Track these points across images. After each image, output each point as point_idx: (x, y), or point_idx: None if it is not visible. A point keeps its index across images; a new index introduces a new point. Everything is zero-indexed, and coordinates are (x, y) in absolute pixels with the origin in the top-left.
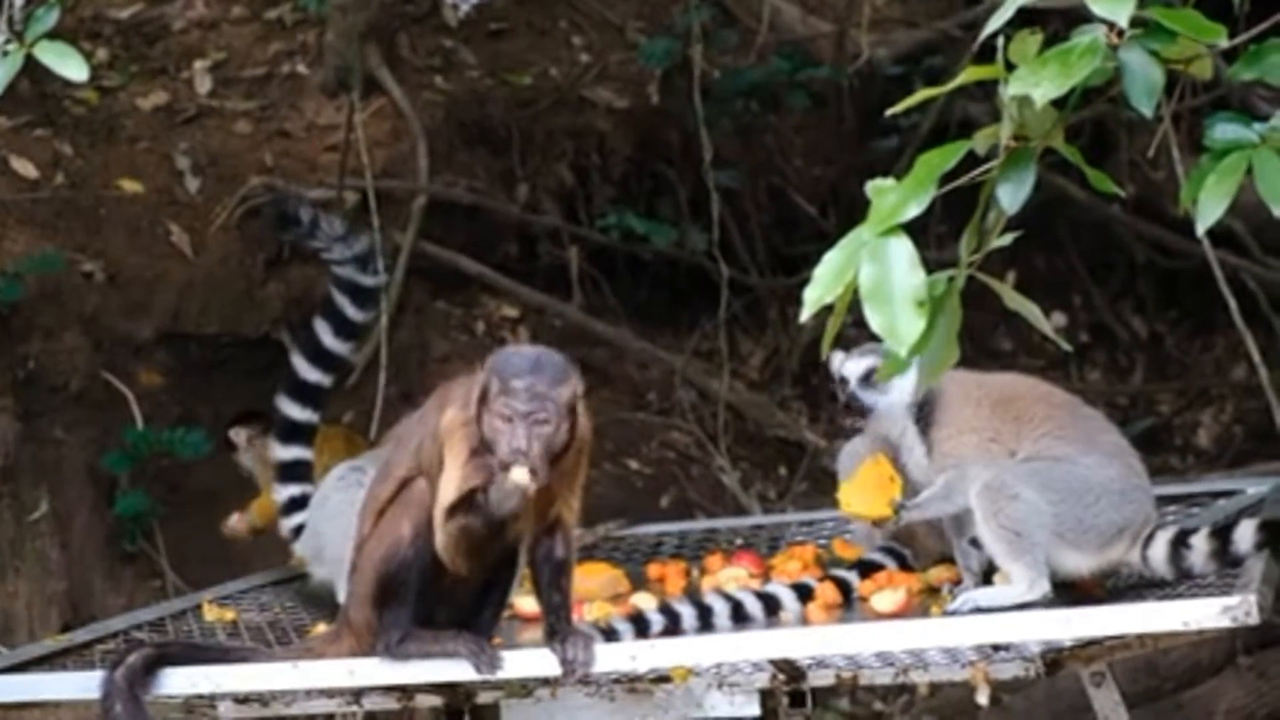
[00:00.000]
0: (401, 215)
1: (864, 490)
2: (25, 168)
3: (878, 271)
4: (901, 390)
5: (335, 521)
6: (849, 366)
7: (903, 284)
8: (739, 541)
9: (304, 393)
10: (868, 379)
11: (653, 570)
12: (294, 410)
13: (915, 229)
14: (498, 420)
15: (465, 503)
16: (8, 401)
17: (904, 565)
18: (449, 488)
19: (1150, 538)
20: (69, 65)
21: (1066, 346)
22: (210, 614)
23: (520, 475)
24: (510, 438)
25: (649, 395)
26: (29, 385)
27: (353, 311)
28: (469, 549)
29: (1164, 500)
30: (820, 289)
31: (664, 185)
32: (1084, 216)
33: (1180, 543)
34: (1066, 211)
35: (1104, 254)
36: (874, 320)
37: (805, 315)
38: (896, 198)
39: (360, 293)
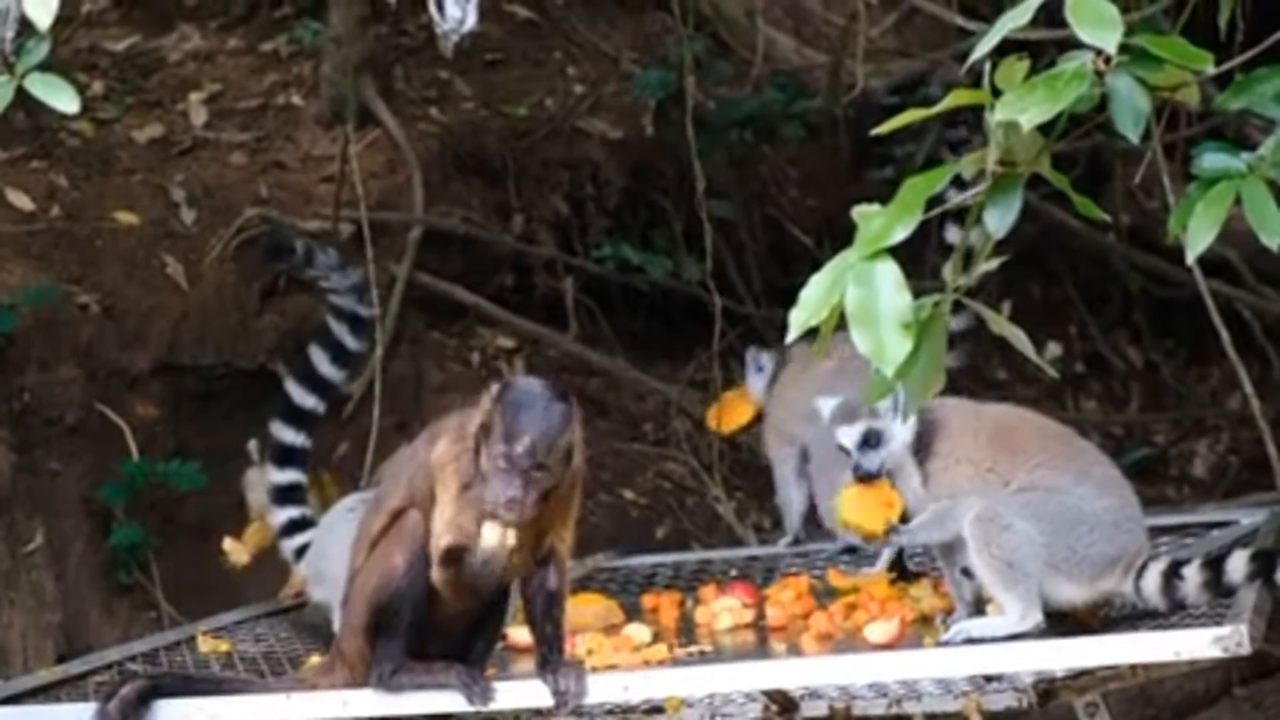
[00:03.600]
0: (397, 246)
1: (863, 503)
2: (21, 199)
3: (864, 294)
4: (900, 438)
5: (341, 547)
6: (845, 434)
7: (889, 306)
8: (733, 572)
9: (298, 418)
10: (867, 442)
11: (647, 601)
12: (288, 435)
13: (911, 258)
14: (499, 462)
15: (454, 555)
16: (3, 433)
17: None
18: (441, 528)
19: (1143, 569)
20: (60, 97)
21: (1053, 373)
22: (205, 645)
23: (491, 536)
24: (506, 485)
25: (644, 426)
26: (24, 417)
27: (350, 341)
28: (461, 590)
29: (1158, 530)
30: (806, 312)
31: (659, 216)
32: (1080, 246)
33: (1173, 574)
34: (1062, 241)
35: (1100, 284)
36: (861, 342)
37: (791, 337)
38: (882, 222)
39: (358, 322)
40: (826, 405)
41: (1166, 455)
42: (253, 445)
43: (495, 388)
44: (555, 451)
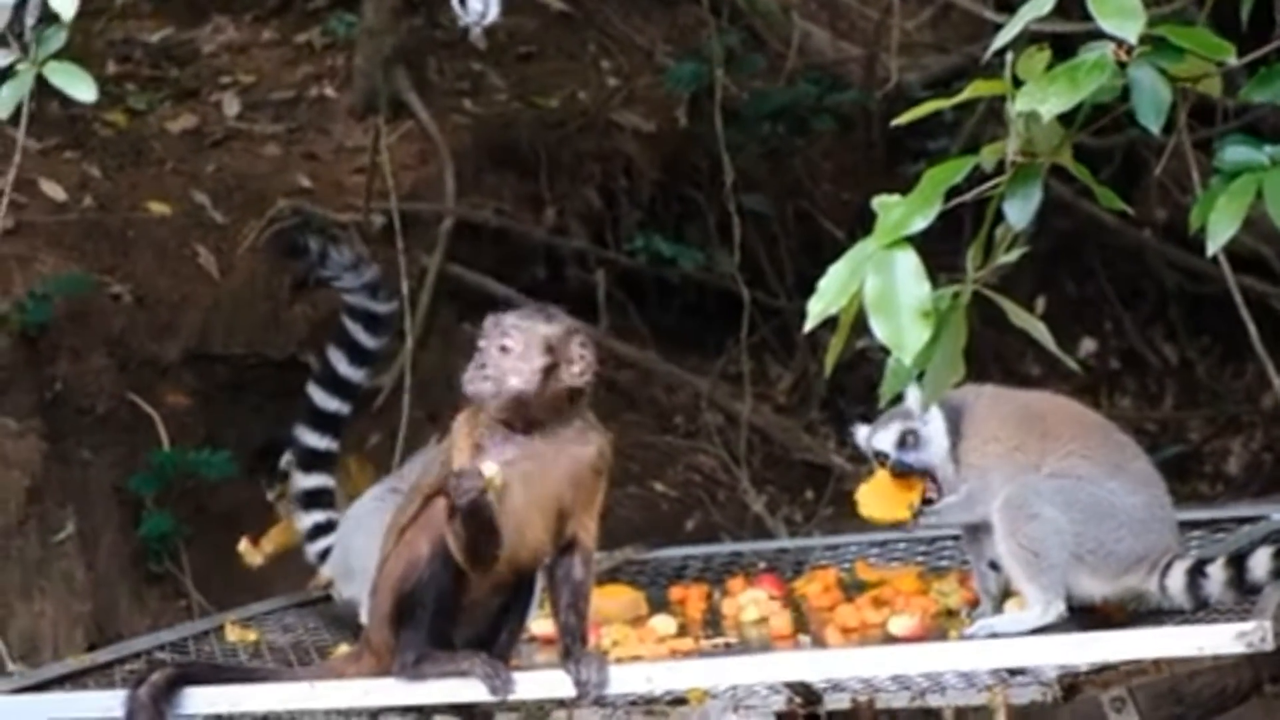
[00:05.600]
0: (429, 238)
1: (882, 493)
2: (54, 190)
3: (883, 283)
4: (939, 436)
5: (367, 540)
6: (880, 439)
7: (908, 295)
8: (762, 565)
9: (323, 421)
10: (904, 443)
11: (674, 593)
12: (313, 439)
13: (939, 253)
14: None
15: (451, 507)
16: (34, 423)
17: None
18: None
19: (1168, 567)
20: (78, 86)
21: (1075, 365)
22: (233, 635)
23: (489, 469)
24: (475, 359)
25: (675, 418)
26: (56, 406)
27: (366, 339)
28: (473, 555)
29: (1189, 525)
30: (825, 301)
31: (692, 209)
32: (1114, 243)
33: (1197, 572)
34: (1097, 238)
35: (1135, 280)
36: (879, 331)
37: (809, 326)
38: (902, 211)
39: (373, 320)
40: (861, 432)
41: (1200, 452)
42: (287, 459)
43: None
44: (529, 332)
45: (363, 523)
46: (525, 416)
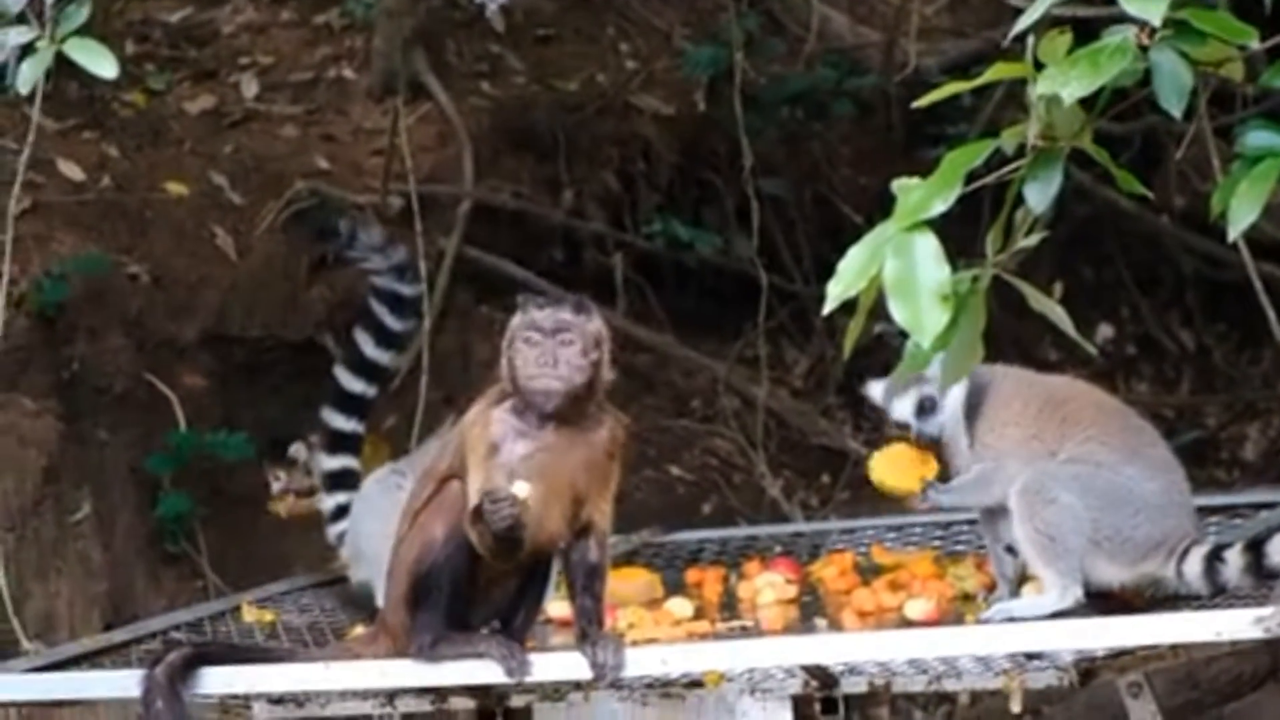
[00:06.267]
0: (446, 220)
1: (896, 464)
2: (72, 170)
3: (902, 266)
4: (955, 403)
5: (373, 523)
6: (899, 407)
7: (927, 278)
8: (778, 549)
9: (348, 403)
10: (923, 409)
11: (691, 576)
12: (339, 421)
13: (957, 238)
14: (522, 345)
15: (478, 515)
16: (51, 403)
17: None
18: (472, 492)
19: (1185, 552)
20: (99, 63)
21: (1092, 349)
22: (249, 615)
23: (521, 490)
24: (538, 355)
25: (692, 402)
26: (73, 386)
27: (392, 321)
28: (497, 556)
29: (1206, 511)
30: (844, 283)
31: (710, 192)
32: (1132, 228)
33: (1215, 557)
34: (1115, 223)
35: (1152, 266)
36: (898, 314)
37: (828, 308)
38: (922, 194)
39: (400, 302)
40: (875, 389)
41: (1217, 438)
42: (295, 447)
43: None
44: (581, 328)
45: (368, 507)
46: (566, 411)
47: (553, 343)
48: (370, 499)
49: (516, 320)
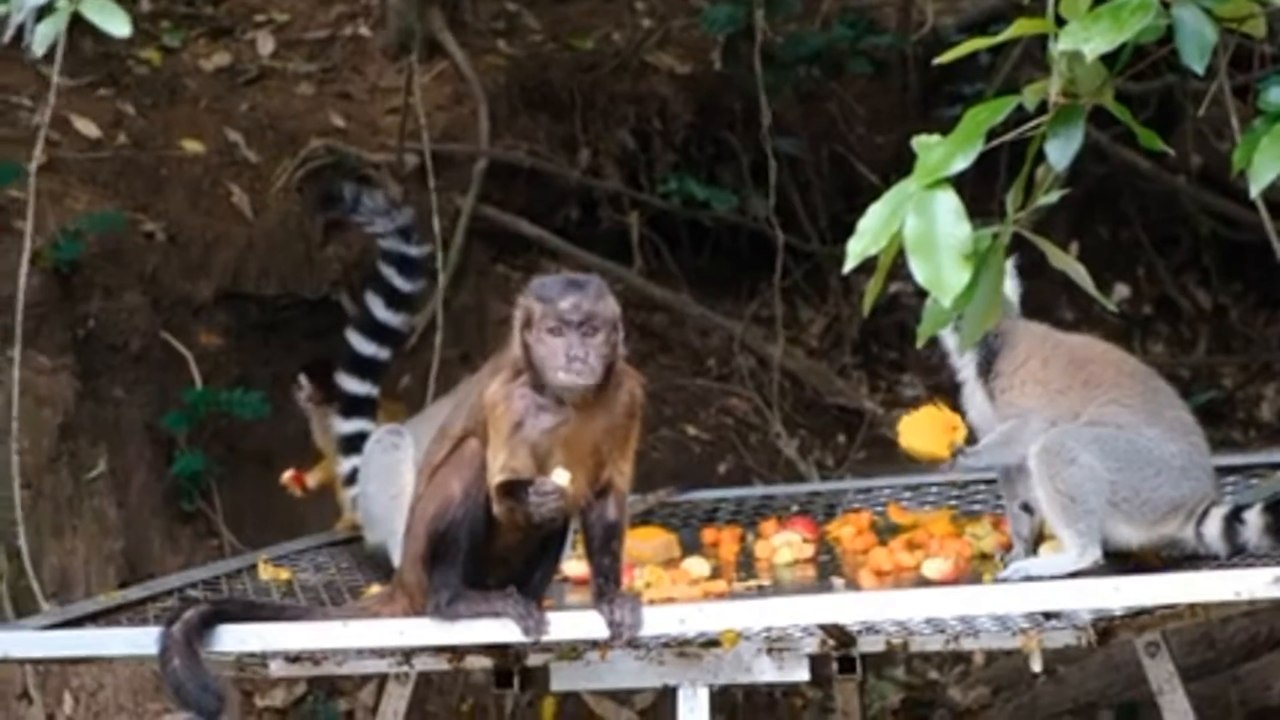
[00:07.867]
0: (462, 178)
1: (925, 428)
2: (88, 127)
3: (923, 224)
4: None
5: (375, 484)
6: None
7: (948, 236)
8: (795, 508)
9: (362, 367)
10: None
11: (707, 535)
12: (354, 385)
13: (974, 197)
14: (547, 335)
15: (509, 492)
16: (67, 360)
17: None
18: (495, 468)
19: (1205, 514)
20: (113, 21)
21: (1112, 307)
22: (265, 573)
23: (561, 478)
24: (566, 344)
25: (708, 361)
26: (89, 344)
27: (401, 282)
28: (519, 523)
29: (1223, 471)
30: (865, 241)
31: (726, 151)
32: (1149, 188)
33: (1234, 518)
34: (1132, 183)
35: (1169, 226)
36: (919, 272)
37: (848, 266)
38: (943, 152)
39: (408, 263)
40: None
41: (1233, 398)
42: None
43: (526, 286)
44: (603, 314)
45: (368, 470)
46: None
47: (578, 335)
48: (370, 461)
49: (536, 306)
